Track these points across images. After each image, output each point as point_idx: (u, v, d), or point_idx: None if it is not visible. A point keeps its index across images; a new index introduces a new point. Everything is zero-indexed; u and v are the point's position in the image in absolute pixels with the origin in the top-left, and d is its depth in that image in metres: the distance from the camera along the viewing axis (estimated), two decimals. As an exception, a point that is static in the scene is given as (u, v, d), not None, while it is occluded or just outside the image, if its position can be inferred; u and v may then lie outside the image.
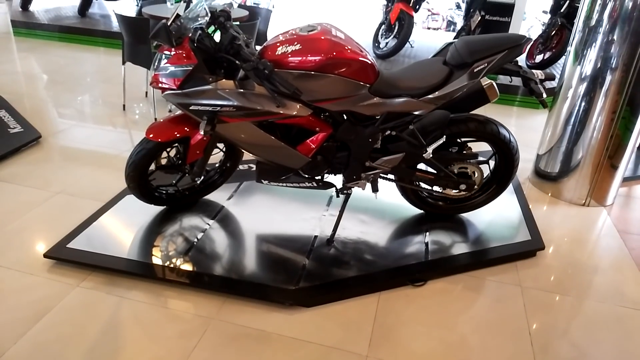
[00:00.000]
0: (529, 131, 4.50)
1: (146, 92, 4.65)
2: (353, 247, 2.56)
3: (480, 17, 5.66)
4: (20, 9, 7.06)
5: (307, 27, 2.22)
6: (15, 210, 2.74)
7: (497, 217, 2.90)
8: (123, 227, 2.59)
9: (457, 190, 2.65)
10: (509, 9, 5.08)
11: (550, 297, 2.36)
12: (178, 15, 2.16)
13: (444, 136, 2.40)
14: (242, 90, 2.16)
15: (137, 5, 7.38)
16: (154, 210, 2.74)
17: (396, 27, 5.81)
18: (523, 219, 2.88)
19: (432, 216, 2.86)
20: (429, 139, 2.39)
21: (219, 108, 2.18)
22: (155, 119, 4.06)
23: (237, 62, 2.09)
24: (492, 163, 2.72)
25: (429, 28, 11.47)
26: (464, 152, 2.56)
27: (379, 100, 2.25)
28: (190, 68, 2.11)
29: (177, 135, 2.36)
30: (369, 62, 2.18)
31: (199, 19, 2.12)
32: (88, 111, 4.19)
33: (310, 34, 2.16)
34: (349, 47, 2.15)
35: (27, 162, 3.29)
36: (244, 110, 2.18)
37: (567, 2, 5.48)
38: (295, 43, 2.13)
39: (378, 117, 2.33)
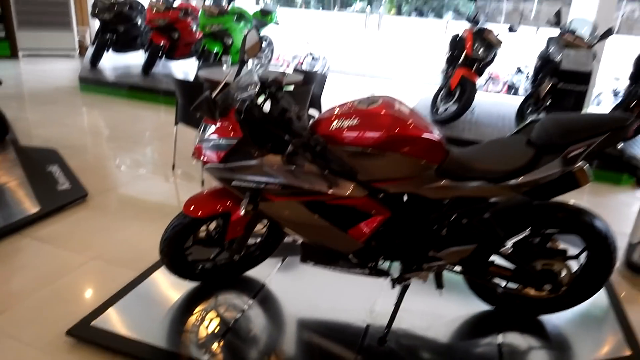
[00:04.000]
0: (611, 211, 4.02)
1: (197, 152, 4.57)
2: (410, 346, 2.20)
3: (550, 84, 5.33)
4: (90, 65, 7.40)
5: (367, 99, 2.00)
6: (48, 276, 2.58)
7: (584, 318, 2.46)
8: (154, 304, 2.36)
9: (542, 292, 2.26)
10: (584, 77, 4.73)
11: None
12: (226, 85, 2.00)
13: (529, 228, 2.06)
14: (290, 167, 1.93)
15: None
16: (189, 285, 2.51)
17: (457, 93, 5.56)
18: (617, 324, 2.42)
19: (506, 314, 2.45)
20: (509, 231, 2.05)
21: (263, 185, 1.96)
22: (203, 182, 3.93)
23: (286, 136, 1.88)
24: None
25: (488, 91, 11.16)
26: (549, 246, 2.18)
27: (447, 183, 1.96)
28: (235, 142, 1.92)
29: (217, 211, 2.15)
30: (436, 140, 1.91)
31: (249, 88, 1.95)
32: (139, 170, 4.13)
33: (371, 107, 1.93)
34: (414, 124, 1.90)
35: (69, 221, 3.18)
36: (292, 189, 1.95)
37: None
38: (353, 117, 1.91)
39: (445, 201, 2.03)
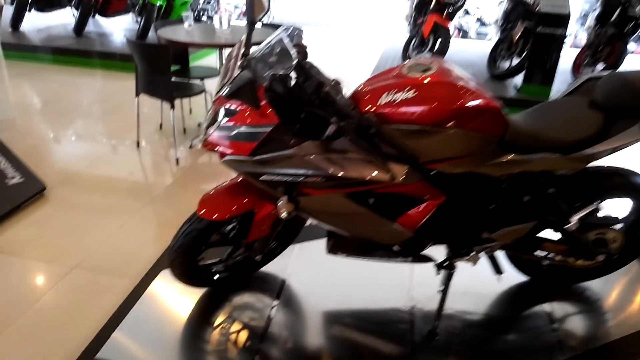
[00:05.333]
0: None
1: (161, 125, 4.06)
2: (462, 333, 2.02)
3: (523, 29, 5.15)
4: (10, 29, 6.43)
5: (416, 65, 1.66)
6: (24, 297, 2.14)
7: (631, 278, 2.36)
8: (165, 320, 2.01)
9: (593, 261, 2.10)
10: (563, 20, 4.55)
11: None
12: (247, 57, 1.59)
13: (599, 201, 1.86)
14: (334, 155, 1.59)
15: (137, 22, 6.81)
16: (198, 290, 2.16)
17: (430, 42, 5.28)
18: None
19: (549, 288, 2.30)
20: (575, 206, 1.84)
21: (302, 178, 1.61)
22: (177, 160, 3.47)
23: (328, 118, 1.53)
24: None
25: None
26: (602, 214, 2.01)
27: (511, 158, 1.70)
28: (269, 129, 1.54)
29: (240, 211, 1.79)
30: (499, 110, 1.63)
31: (279, 61, 1.56)
32: (97, 151, 3.59)
33: (426, 76, 1.60)
34: (477, 92, 1.60)
35: (30, 222, 2.68)
36: (337, 180, 1.61)
37: (619, 10, 4.99)
38: (407, 89, 1.57)
39: (503, 178, 1.78)
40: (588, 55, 5.26)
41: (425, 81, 1.58)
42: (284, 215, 1.61)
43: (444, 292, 2.04)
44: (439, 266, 2.02)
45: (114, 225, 2.69)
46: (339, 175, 1.59)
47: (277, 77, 1.55)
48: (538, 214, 1.89)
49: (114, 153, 3.57)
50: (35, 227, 2.65)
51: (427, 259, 1.99)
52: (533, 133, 1.73)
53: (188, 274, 1.96)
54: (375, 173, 1.58)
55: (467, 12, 11.34)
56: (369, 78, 1.71)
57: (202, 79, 3.73)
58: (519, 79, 5.14)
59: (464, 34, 10.90)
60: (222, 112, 1.65)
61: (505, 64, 5.41)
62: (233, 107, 1.60)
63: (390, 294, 2.22)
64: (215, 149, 1.66)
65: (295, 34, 1.75)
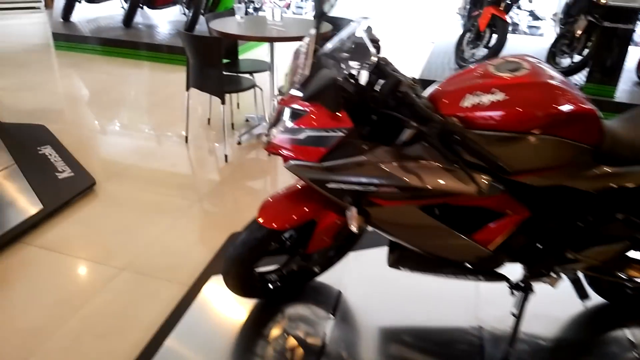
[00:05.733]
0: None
1: (209, 119, 3.98)
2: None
3: (586, 22, 4.81)
4: (62, 20, 6.52)
5: (505, 63, 1.48)
6: (71, 299, 2.08)
7: None
8: (218, 331, 1.91)
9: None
10: (633, 15, 4.20)
11: None
12: (319, 53, 1.45)
13: None
14: (410, 163, 1.43)
15: (185, 14, 6.78)
16: (251, 301, 2.05)
17: (486, 35, 5.01)
18: None
19: (630, 311, 2.09)
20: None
21: (374, 188, 1.46)
22: (226, 156, 3.38)
23: (405, 121, 1.37)
24: None
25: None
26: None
27: (608, 170, 1.50)
28: (342, 134, 1.39)
29: (303, 220, 1.65)
30: (596, 116, 1.43)
31: (356, 57, 1.41)
32: (145, 145, 3.54)
33: (518, 76, 1.42)
34: (572, 95, 1.41)
35: (79, 220, 2.64)
36: (413, 191, 1.46)
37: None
38: (494, 90, 1.40)
39: (595, 192, 1.58)
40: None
41: (517, 82, 1.40)
42: (354, 229, 1.47)
43: (519, 316, 1.85)
44: (514, 287, 1.83)
45: (163, 225, 2.61)
46: (418, 186, 1.44)
47: (349, 76, 1.41)
48: (632, 234, 1.68)
49: (162, 148, 3.52)
50: (84, 224, 2.60)
51: (501, 277, 1.81)
52: (633, 142, 1.52)
53: (242, 285, 1.85)
54: (458, 184, 1.41)
55: (517, 5, 10.86)
56: (448, 78, 1.54)
57: (251, 73, 3.62)
58: (579, 77, 4.82)
59: (514, 28, 10.43)
60: (287, 112, 1.52)
61: (566, 61, 5.08)
62: (300, 107, 1.46)
63: (454, 311, 2.06)
64: (280, 152, 1.53)
65: (366, 28, 1.59)
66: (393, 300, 2.10)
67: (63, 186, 2.82)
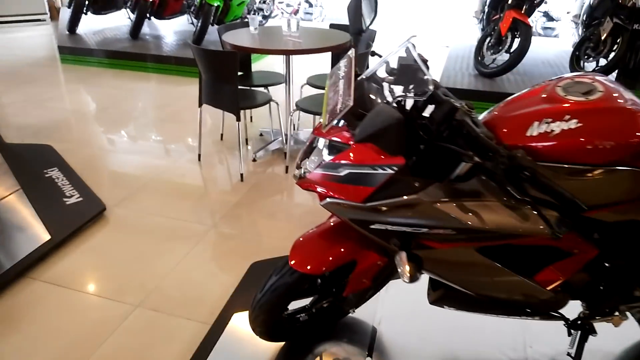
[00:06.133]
0: None
1: (222, 135, 3.82)
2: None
3: (612, 25, 4.61)
4: (67, 32, 6.39)
5: (574, 84, 1.29)
6: (83, 341, 1.91)
7: None
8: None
9: None
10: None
11: None
12: (358, 78, 1.27)
13: None
14: (469, 202, 1.25)
15: (193, 24, 6.64)
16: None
17: (507, 40, 4.82)
18: None
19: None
20: None
21: (426, 229, 1.28)
22: (242, 175, 3.20)
23: (462, 153, 1.19)
24: None
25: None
26: None
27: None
28: (392, 172, 1.21)
29: (337, 263, 1.47)
30: None
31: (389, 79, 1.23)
32: (156, 164, 3.38)
33: (592, 100, 1.23)
34: None
35: (89, 249, 2.47)
36: (473, 233, 1.27)
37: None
38: (566, 116, 1.21)
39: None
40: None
41: (591, 107, 1.22)
42: (406, 280, 1.28)
43: (577, 358, 1.66)
44: (572, 326, 1.64)
45: (178, 253, 2.44)
46: (481, 227, 1.25)
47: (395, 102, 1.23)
48: None
49: (174, 167, 3.35)
50: (94, 254, 2.43)
51: (558, 316, 1.62)
52: None
53: (271, 332, 1.67)
54: (528, 225, 1.23)
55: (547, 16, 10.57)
56: (507, 101, 1.36)
57: (266, 86, 3.45)
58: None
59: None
60: (322, 143, 1.34)
61: (591, 65, 4.88)
62: (340, 141, 1.28)
63: (501, 349, 1.87)
64: (315, 190, 1.35)
65: (413, 47, 1.42)
66: (433, 337, 1.92)
67: (71, 213, 2.66)
